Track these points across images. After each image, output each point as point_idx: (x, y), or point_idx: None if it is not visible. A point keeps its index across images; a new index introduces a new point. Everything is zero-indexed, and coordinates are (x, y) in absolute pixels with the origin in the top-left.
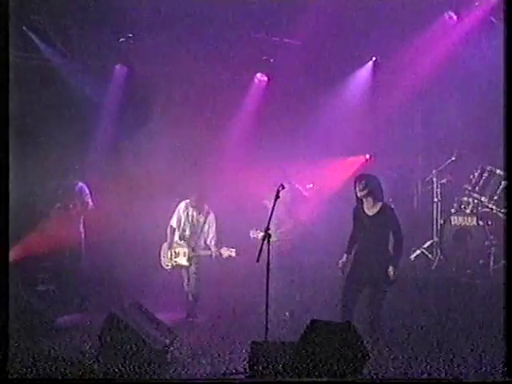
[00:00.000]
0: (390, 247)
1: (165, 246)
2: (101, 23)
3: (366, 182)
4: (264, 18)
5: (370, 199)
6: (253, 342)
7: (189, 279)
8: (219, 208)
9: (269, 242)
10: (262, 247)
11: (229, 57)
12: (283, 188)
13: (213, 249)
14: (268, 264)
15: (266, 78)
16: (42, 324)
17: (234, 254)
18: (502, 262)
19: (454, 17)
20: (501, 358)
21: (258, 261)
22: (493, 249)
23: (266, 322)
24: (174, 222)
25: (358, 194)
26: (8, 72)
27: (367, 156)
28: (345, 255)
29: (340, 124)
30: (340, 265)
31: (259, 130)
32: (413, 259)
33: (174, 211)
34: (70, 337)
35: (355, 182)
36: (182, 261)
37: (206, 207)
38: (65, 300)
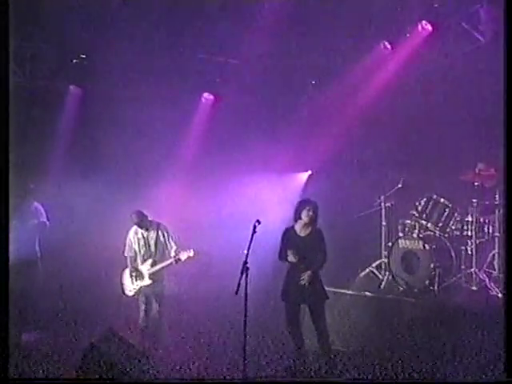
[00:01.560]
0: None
1: (126, 272)
2: (54, 44)
3: (314, 207)
4: (209, 40)
5: (308, 223)
6: None
7: (150, 303)
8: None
9: (247, 275)
10: (240, 280)
11: (176, 77)
12: (259, 223)
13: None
14: (246, 296)
15: (212, 97)
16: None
17: (192, 254)
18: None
19: (389, 46)
20: (501, 358)
21: (236, 293)
22: (437, 270)
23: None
24: (127, 252)
25: (306, 218)
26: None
27: (309, 172)
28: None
29: (284, 140)
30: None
31: (207, 146)
32: (362, 277)
33: (124, 239)
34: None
35: (300, 206)
36: (145, 281)
37: (154, 223)
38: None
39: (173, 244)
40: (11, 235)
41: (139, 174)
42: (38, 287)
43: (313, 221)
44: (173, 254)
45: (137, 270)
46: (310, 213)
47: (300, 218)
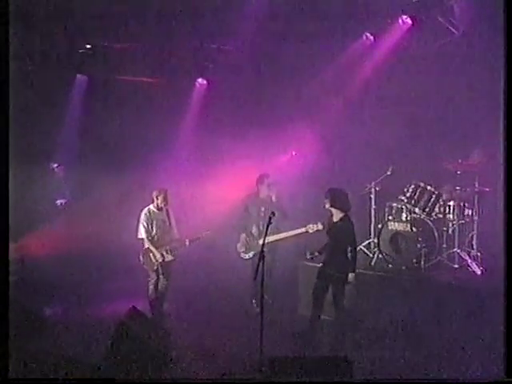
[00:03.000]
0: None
1: (145, 251)
2: (61, 35)
3: (330, 194)
4: (203, 28)
5: (333, 210)
6: None
7: (161, 275)
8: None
9: (264, 262)
10: (257, 268)
11: (172, 64)
12: (274, 215)
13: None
14: (262, 281)
15: (205, 82)
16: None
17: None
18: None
19: (371, 38)
20: (501, 358)
21: (255, 279)
22: (423, 250)
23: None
24: (142, 233)
25: (327, 206)
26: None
27: (293, 153)
28: (316, 252)
29: (272, 123)
30: (308, 256)
31: (202, 129)
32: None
33: (138, 221)
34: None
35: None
36: (169, 257)
37: (165, 206)
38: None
39: (174, 227)
40: None
41: (141, 157)
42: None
43: (331, 207)
44: (176, 234)
45: (157, 248)
46: (326, 199)
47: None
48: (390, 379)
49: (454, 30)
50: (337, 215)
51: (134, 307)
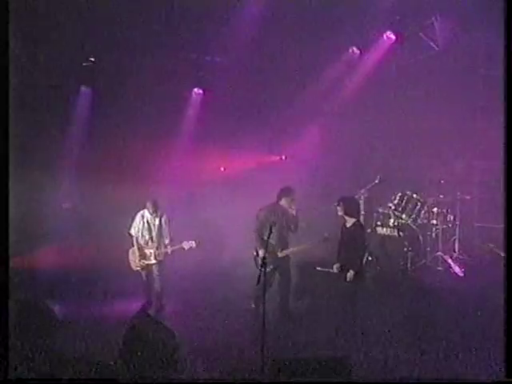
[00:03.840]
0: None
1: (131, 251)
2: (66, 49)
3: (343, 202)
4: (199, 42)
5: (346, 217)
6: None
7: (152, 277)
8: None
9: (265, 266)
10: (260, 271)
11: (171, 75)
12: (275, 224)
13: (168, 245)
14: (264, 286)
15: (201, 92)
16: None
17: (194, 245)
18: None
19: (357, 51)
20: (501, 358)
21: (257, 284)
22: (409, 253)
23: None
24: (133, 231)
25: (340, 212)
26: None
27: (283, 157)
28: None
29: (265, 130)
30: (335, 270)
31: (199, 135)
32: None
33: (132, 220)
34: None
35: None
36: (151, 261)
37: (160, 211)
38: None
39: (167, 233)
40: None
41: (142, 165)
42: None
43: (344, 214)
44: (167, 241)
45: (142, 250)
46: (339, 207)
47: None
48: (390, 379)
49: (434, 45)
50: (350, 221)
51: (143, 310)
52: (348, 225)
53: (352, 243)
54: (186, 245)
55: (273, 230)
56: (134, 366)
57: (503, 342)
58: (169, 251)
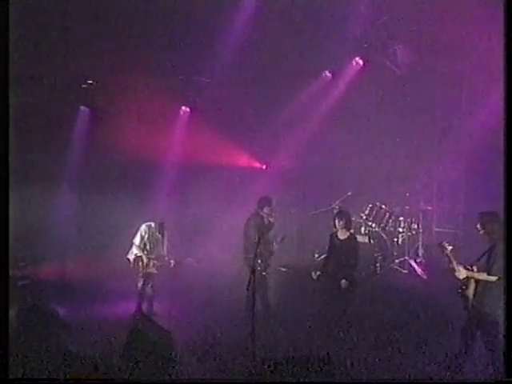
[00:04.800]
0: None
1: (133, 258)
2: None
3: (344, 217)
4: (186, 63)
5: (344, 229)
6: None
7: (148, 284)
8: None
9: (255, 275)
10: (250, 279)
11: (161, 95)
12: (263, 235)
13: (172, 259)
14: (254, 290)
15: (188, 110)
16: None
17: (194, 264)
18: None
19: (329, 75)
20: (501, 358)
21: (247, 289)
22: (379, 258)
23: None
24: (137, 241)
25: (338, 226)
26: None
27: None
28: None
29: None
30: (314, 277)
31: (187, 149)
32: (319, 260)
33: (137, 231)
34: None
35: (335, 217)
36: (152, 270)
37: (160, 226)
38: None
39: (165, 246)
40: None
41: (138, 182)
42: None
43: (345, 228)
44: (165, 252)
45: (143, 259)
46: (341, 222)
47: (335, 225)
48: (391, 379)
49: (396, 70)
50: (344, 234)
51: (142, 313)
52: (342, 237)
53: (346, 254)
54: (188, 262)
55: (261, 239)
56: (136, 363)
57: (503, 342)
58: (171, 264)
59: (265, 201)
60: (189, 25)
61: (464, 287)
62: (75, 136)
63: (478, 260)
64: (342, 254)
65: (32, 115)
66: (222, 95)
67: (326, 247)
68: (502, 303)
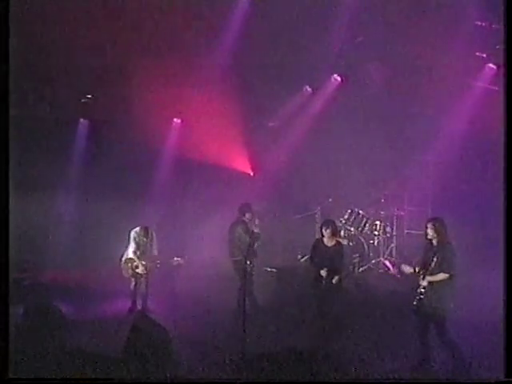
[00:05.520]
0: None
1: (124, 260)
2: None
3: (331, 226)
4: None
5: (331, 237)
6: None
7: (140, 284)
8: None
9: (246, 275)
10: (242, 280)
11: (154, 107)
12: (250, 239)
13: (158, 260)
14: (245, 290)
15: (179, 121)
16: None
17: (182, 262)
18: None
19: (309, 90)
20: (501, 358)
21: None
22: (356, 259)
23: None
24: (129, 244)
25: (325, 234)
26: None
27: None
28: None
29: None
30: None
31: (178, 158)
32: (300, 259)
33: (130, 235)
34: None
35: (322, 225)
36: (139, 270)
37: (150, 231)
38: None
39: (155, 249)
40: None
41: (133, 189)
42: None
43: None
44: (155, 253)
45: (134, 261)
46: (329, 230)
47: (322, 233)
48: (391, 379)
49: (372, 86)
50: (332, 241)
51: (142, 312)
52: (329, 244)
53: (332, 260)
54: (174, 261)
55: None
56: (137, 358)
57: (503, 342)
58: (157, 265)
59: (245, 207)
60: (179, 44)
61: (423, 290)
62: (75, 146)
63: (430, 263)
64: (329, 260)
65: (35, 126)
66: (211, 107)
67: (311, 252)
68: (452, 298)
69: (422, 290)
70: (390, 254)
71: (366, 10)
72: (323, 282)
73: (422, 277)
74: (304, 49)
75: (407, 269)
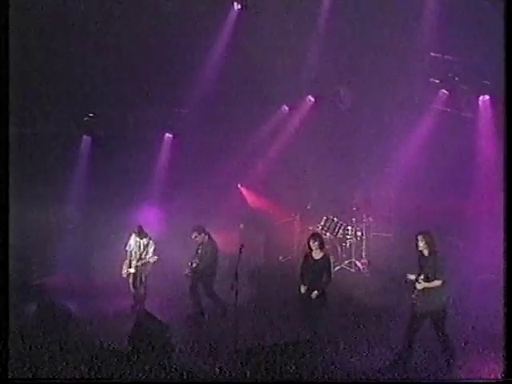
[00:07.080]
0: None
1: (125, 262)
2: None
3: (319, 238)
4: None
5: (318, 250)
6: None
7: (139, 282)
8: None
9: (237, 279)
10: (233, 283)
11: (148, 123)
12: (243, 247)
13: (151, 259)
14: (236, 292)
15: (171, 136)
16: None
17: (156, 258)
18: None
19: (287, 109)
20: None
21: (232, 289)
22: (331, 260)
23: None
24: (127, 247)
25: (313, 247)
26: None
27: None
28: (303, 286)
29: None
30: (303, 291)
31: (172, 172)
32: (282, 260)
33: (128, 239)
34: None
35: (310, 239)
36: (131, 270)
37: (147, 234)
38: None
39: (151, 252)
40: None
41: (129, 199)
42: None
43: (318, 247)
44: (150, 256)
45: (130, 262)
46: (317, 243)
47: (309, 247)
48: (391, 379)
49: (341, 106)
50: (319, 254)
51: (144, 310)
52: (317, 257)
53: (320, 273)
54: (151, 259)
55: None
56: (141, 351)
57: (503, 342)
58: (151, 265)
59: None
60: (171, 64)
61: (417, 295)
62: (79, 160)
63: (421, 271)
64: (317, 273)
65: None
66: (199, 124)
67: (301, 268)
68: (444, 301)
69: (416, 294)
70: (361, 256)
71: (337, 43)
72: (306, 296)
73: (417, 283)
74: (282, 73)
75: (411, 277)
